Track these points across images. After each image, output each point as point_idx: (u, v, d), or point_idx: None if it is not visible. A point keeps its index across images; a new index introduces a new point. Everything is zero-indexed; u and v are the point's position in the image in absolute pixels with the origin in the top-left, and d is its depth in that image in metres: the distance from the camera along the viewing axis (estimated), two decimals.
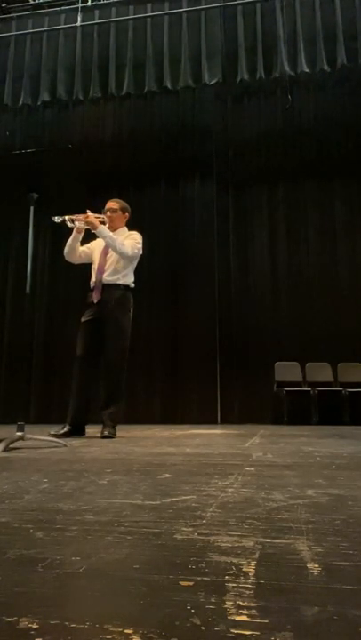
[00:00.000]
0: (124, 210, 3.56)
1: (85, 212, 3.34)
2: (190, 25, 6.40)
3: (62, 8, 6.92)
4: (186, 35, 6.37)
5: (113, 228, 3.43)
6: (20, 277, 6.47)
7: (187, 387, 5.99)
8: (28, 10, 7.12)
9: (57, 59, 6.71)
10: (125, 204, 3.61)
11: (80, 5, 6.78)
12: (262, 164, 6.54)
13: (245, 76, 6.17)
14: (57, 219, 3.25)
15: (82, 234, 3.42)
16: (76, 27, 6.69)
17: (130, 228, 3.59)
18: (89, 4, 6.84)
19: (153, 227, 6.35)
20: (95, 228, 3.31)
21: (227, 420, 5.83)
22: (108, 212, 3.48)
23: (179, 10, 6.48)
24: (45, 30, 6.85)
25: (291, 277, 6.22)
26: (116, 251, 3.37)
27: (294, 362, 5.85)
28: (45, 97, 6.68)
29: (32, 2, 7.14)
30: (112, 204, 3.55)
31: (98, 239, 3.52)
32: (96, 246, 3.55)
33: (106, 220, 3.43)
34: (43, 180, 2.70)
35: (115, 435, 3.20)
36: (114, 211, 3.50)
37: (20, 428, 2.39)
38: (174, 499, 1.09)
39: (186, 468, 1.63)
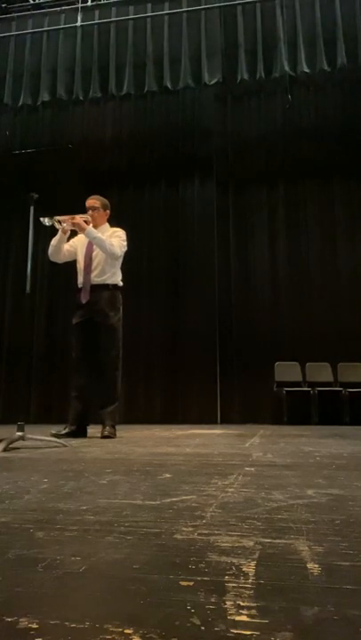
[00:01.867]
0: (105, 207, 3.53)
1: (82, 213, 3.30)
2: (190, 25, 6.40)
3: (62, 8, 6.93)
4: (186, 35, 6.37)
5: (95, 226, 3.39)
6: (19, 277, 6.47)
7: (187, 387, 5.99)
8: (28, 10, 7.13)
9: (57, 59, 6.71)
10: (106, 201, 3.57)
11: (80, 5, 6.79)
12: (262, 164, 6.53)
13: (245, 76, 6.17)
14: (46, 221, 3.18)
15: (67, 234, 3.38)
16: (76, 27, 6.69)
17: (117, 225, 3.56)
18: (89, 4, 6.84)
19: (153, 227, 6.35)
20: (83, 229, 3.27)
21: (227, 419, 5.83)
22: (90, 211, 3.43)
23: (179, 10, 6.48)
24: (45, 30, 6.86)
25: (291, 277, 6.22)
26: (105, 252, 3.34)
27: (294, 362, 5.85)
28: (45, 97, 6.68)
29: (32, 2, 7.14)
30: (93, 201, 3.48)
31: (79, 235, 3.45)
32: (78, 243, 3.51)
33: (89, 219, 3.37)
34: (43, 179, 2.69)
35: (115, 435, 3.20)
36: (96, 209, 3.46)
37: (20, 428, 2.39)
38: (174, 499, 1.09)
39: (186, 468, 1.63)
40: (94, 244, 3.36)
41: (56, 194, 2.79)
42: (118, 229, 3.50)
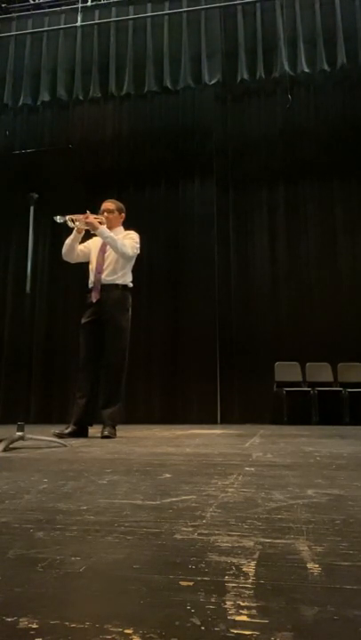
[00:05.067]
0: (120, 210, 3.59)
1: (85, 213, 3.35)
2: (190, 25, 6.40)
3: (62, 8, 6.92)
4: (186, 35, 6.36)
5: (110, 228, 3.45)
6: (19, 277, 6.47)
7: (187, 387, 5.99)
8: (28, 10, 7.12)
9: (57, 59, 6.71)
10: (121, 205, 3.63)
11: (80, 5, 6.78)
12: (262, 164, 6.53)
13: (245, 76, 6.17)
14: (59, 219, 3.26)
15: (82, 234, 3.44)
16: (76, 27, 6.69)
17: (127, 227, 3.61)
18: (89, 4, 6.83)
19: (153, 227, 6.35)
20: (96, 228, 3.33)
21: (227, 419, 5.83)
22: (105, 213, 3.51)
23: (179, 10, 6.48)
24: (45, 30, 6.85)
25: (291, 277, 6.22)
26: (117, 251, 3.38)
27: (294, 362, 5.85)
28: (45, 97, 6.68)
29: (32, 2, 7.14)
30: (108, 204, 3.57)
31: (94, 238, 3.53)
32: (93, 245, 3.56)
33: (103, 220, 3.44)
34: (43, 180, 2.70)
35: (115, 435, 3.21)
36: (110, 211, 3.53)
37: (20, 428, 2.39)
38: (174, 499, 1.09)
39: (186, 467, 1.63)
40: (106, 244, 3.40)
41: (56, 194, 2.80)
42: (132, 232, 3.55)
